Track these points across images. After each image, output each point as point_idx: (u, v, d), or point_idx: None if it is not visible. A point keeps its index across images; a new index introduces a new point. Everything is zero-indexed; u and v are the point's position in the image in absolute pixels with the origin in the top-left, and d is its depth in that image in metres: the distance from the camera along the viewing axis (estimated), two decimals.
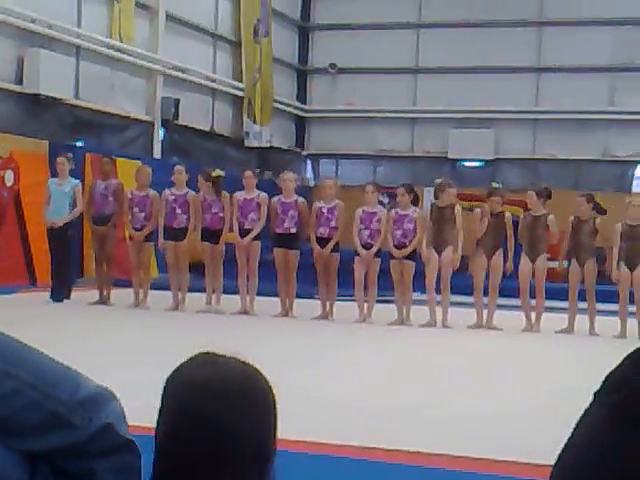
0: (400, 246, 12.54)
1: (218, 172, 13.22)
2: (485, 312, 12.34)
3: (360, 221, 12.75)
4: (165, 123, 18.81)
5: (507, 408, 6.77)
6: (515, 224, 12.47)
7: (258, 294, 12.98)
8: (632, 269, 11.91)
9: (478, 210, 12.70)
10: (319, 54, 23.65)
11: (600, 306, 12.47)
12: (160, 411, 1.60)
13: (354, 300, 12.74)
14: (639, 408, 1.66)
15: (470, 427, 6.05)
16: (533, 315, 12.24)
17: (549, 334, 11.96)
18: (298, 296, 13.09)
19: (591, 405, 1.79)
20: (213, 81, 20.43)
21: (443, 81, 22.12)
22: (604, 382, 1.77)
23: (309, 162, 24.26)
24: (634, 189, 20.59)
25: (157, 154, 18.70)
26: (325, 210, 12.90)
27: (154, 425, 1.58)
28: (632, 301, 11.90)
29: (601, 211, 12.41)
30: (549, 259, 12.58)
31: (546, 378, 8.32)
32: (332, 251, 12.80)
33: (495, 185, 13.25)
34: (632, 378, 1.71)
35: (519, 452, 5.24)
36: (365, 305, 12.64)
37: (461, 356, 9.70)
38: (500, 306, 12.58)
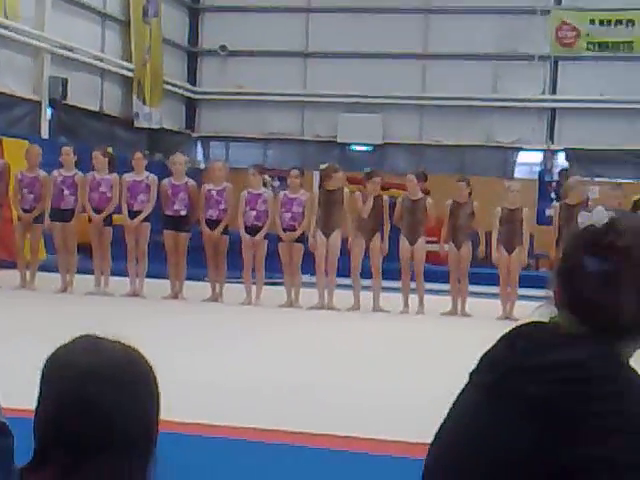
0: (289, 229, 12.70)
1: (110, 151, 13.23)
2: (371, 295, 12.61)
3: (245, 203, 12.87)
4: (53, 103, 18.54)
5: (396, 389, 6.98)
6: (392, 207, 12.74)
7: (148, 276, 13.00)
8: (510, 252, 12.33)
9: (358, 193, 12.94)
10: (209, 36, 23.59)
11: (478, 288, 12.91)
12: (39, 394, 1.57)
13: (243, 283, 12.88)
14: (512, 388, 1.76)
15: (364, 408, 6.21)
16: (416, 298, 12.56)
17: (434, 316, 12.28)
18: (188, 278, 13.15)
19: (467, 385, 1.89)
20: (102, 61, 20.21)
21: (333, 66, 22.32)
22: (479, 362, 1.89)
23: (199, 144, 24.22)
24: (516, 175, 21.19)
25: (45, 134, 18.44)
26: (214, 193, 12.98)
27: (32, 407, 1.55)
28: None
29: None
30: (428, 242, 12.92)
31: (432, 359, 8.57)
32: (222, 233, 12.91)
33: (367, 170, 13.51)
34: (505, 359, 1.82)
35: (410, 432, 5.30)
36: (254, 287, 12.78)
37: (348, 338, 9.92)
38: (385, 288, 12.85)
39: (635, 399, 1.75)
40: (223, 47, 23.25)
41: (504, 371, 1.81)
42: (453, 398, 1.89)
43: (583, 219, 1.87)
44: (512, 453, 1.73)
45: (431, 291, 13.07)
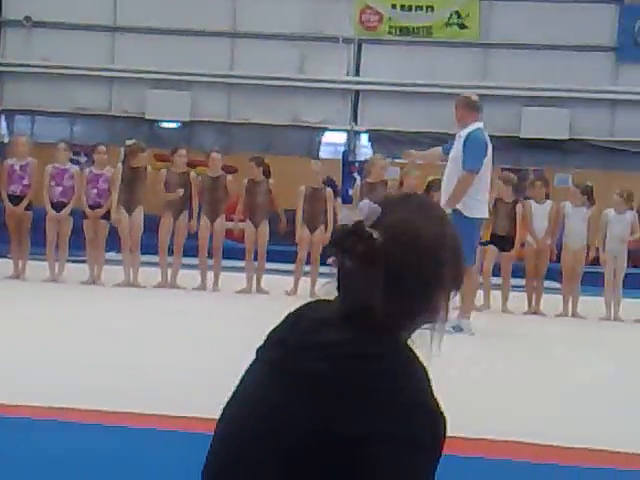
0: (95, 206, 12.72)
1: None
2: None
3: (51, 178, 12.81)
4: None
5: (184, 365, 7.19)
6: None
7: None
8: (312, 230, 12.74)
9: (164, 171, 13.08)
10: (14, 6, 23.00)
11: (278, 266, 13.30)
12: None
13: (46, 260, 12.82)
14: (294, 365, 1.83)
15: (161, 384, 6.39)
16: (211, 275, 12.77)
17: (228, 293, 12.53)
18: None
19: (254, 361, 1.96)
20: None
21: (142, 41, 22.17)
22: (265, 339, 1.97)
23: (3, 118, 23.63)
24: (321, 154, 21.71)
25: None
26: (17, 167, 12.85)
27: None
28: (309, 261, 12.73)
29: (266, 173, 13.07)
30: (227, 220, 13.19)
31: (224, 336, 8.76)
32: (25, 209, 12.79)
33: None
34: (289, 336, 1.89)
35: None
36: (56, 264, 12.75)
37: (144, 316, 10.04)
38: (185, 265, 13.02)
39: (413, 375, 1.82)
40: (28, 18, 22.72)
41: (287, 348, 1.87)
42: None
43: (343, 215, 2.09)
44: (296, 429, 1.78)
45: (233, 268, 13.33)
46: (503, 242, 12.70)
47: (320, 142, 22.37)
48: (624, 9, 20.67)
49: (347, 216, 2.22)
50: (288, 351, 1.86)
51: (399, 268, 1.85)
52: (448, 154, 9.81)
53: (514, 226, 12.74)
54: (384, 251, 1.84)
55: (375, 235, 1.84)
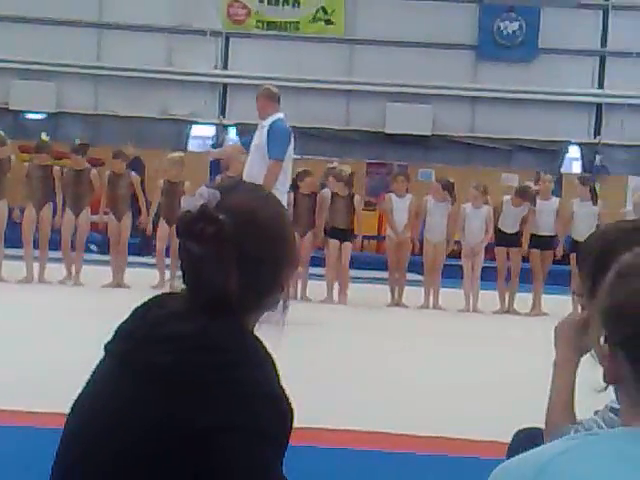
0: None
1: None
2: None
3: None
4: None
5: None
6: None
7: None
8: (170, 224, 12.78)
9: (26, 164, 13.00)
10: None
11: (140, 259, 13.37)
12: None
13: None
14: (141, 358, 1.85)
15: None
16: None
17: (95, 288, 12.51)
18: None
19: (104, 356, 1.96)
20: None
21: (7, 30, 21.69)
22: (114, 333, 1.97)
23: None
24: (190, 148, 21.75)
25: None
26: None
27: None
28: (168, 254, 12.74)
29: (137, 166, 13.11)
30: (92, 213, 13.17)
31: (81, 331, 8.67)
32: None
33: (44, 138, 13.58)
34: (137, 329, 1.91)
35: None
36: None
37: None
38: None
39: (260, 365, 1.84)
40: None
41: (135, 341, 1.88)
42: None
43: (186, 203, 2.00)
44: (146, 422, 1.80)
45: (97, 262, 13.31)
46: (343, 234, 12.95)
47: (189, 135, 22.38)
48: (484, 8, 21.33)
49: (189, 203, 2.27)
50: (135, 345, 1.88)
51: (248, 247, 1.91)
52: (248, 148, 10.08)
53: (352, 219, 13.02)
54: (232, 231, 1.89)
55: (221, 217, 1.89)
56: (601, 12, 21.32)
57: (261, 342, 1.90)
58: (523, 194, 13.19)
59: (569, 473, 1.39)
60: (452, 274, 13.46)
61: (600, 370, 1.52)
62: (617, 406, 2.00)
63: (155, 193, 12.99)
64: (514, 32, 21.19)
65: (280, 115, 9.88)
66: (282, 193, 9.73)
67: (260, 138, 9.80)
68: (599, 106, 21.43)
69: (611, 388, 1.56)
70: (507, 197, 13.31)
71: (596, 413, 2.41)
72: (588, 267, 2.39)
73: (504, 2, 21.10)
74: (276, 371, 1.89)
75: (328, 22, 21.68)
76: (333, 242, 12.96)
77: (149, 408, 1.80)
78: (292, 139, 9.92)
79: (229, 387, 1.79)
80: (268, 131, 9.67)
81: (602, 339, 1.50)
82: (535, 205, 13.14)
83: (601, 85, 21.43)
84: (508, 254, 13.17)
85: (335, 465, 4.72)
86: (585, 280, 2.40)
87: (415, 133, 20.80)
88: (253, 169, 9.58)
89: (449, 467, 4.77)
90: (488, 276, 13.20)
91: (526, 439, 2.54)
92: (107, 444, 1.82)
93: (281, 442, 1.82)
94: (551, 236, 13.18)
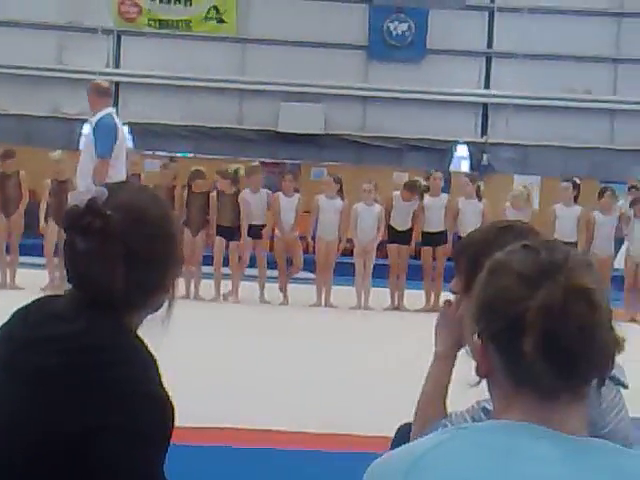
0: None
1: None
2: None
3: None
4: None
5: None
6: None
7: None
8: (59, 224, 12.72)
9: None
10: None
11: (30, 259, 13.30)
12: None
13: None
14: (24, 361, 1.84)
15: None
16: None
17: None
18: None
19: None
20: None
21: None
22: None
23: None
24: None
25: None
26: None
27: None
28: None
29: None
30: None
31: None
32: None
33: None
34: (19, 332, 1.89)
35: None
36: None
37: None
38: None
39: (140, 365, 1.84)
40: None
41: (17, 344, 1.87)
42: None
43: (73, 198, 2.01)
44: (32, 425, 1.80)
45: None
46: (230, 233, 13.06)
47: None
48: (373, 9, 21.62)
49: (77, 198, 2.27)
50: (17, 347, 1.87)
51: (135, 245, 1.91)
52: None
53: (238, 217, 13.10)
54: (119, 228, 1.90)
55: (109, 212, 1.90)
56: (487, 14, 21.82)
57: (143, 342, 1.91)
58: (412, 187, 13.48)
59: (441, 467, 1.42)
60: (345, 272, 13.65)
61: (473, 365, 1.58)
62: (490, 407, 2.08)
63: (43, 193, 12.92)
64: (403, 33, 21.53)
65: (108, 110, 9.52)
66: None
67: (88, 136, 9.62)
68: (485, 106, 21.94)
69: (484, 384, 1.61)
70: (397, 192, 13.59)
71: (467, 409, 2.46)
72: (463, 265, 2.51)
73: (393, 3, 21.43)
74: (158, 371, 1.89)
75: (220, 21, 21.71)
76: (219, 240, 13.03)
77: (33, 411, 1.80)
78: (120, 134, 9.56)
79: (109, 387, 1.80)
80: (94, 128, 9.41)
81: (475, 334, 1.54)
82: (424, 201, 13.44)
83: (487, 85, 21.94)
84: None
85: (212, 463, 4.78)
86: (460, 278, 2.51)
87: (307, 132, 21.00)
88: (83, 167, 9.35)
89: (327, 463, 4.86)
90: (380, 273, 13.44)
91: (408, 433, 2.56)
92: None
93: (161, 442, 1.82)
94: (442, 232, 13.41)
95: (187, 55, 21.33)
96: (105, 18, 21.52)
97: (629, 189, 14.82)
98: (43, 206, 12.75)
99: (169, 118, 21.19)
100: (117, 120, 9.48)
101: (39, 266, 13.03)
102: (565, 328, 1.45)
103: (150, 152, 19.63)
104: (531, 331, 1.45)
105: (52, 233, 12.52)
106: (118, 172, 9.16)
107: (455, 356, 2.55)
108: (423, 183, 13.81)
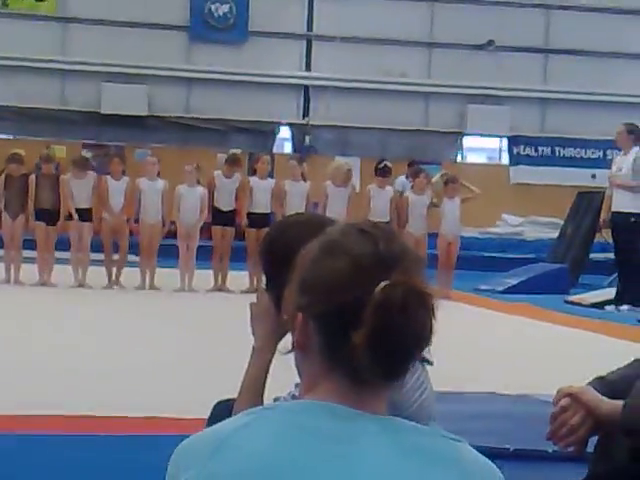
0: None
1: None
2: None
3: None
4: None
5: None
6: None
7: None
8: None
9: None
10: None
11: None
12: None
13: None
14: None
15: None
16: None
17: None
18: None
19: None
20: None
21: None
22: None
23: None
24: None
25: None
26: None
27: None
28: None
29: None
30: None
31: None
32: None
33: None
34: None
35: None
36: None
37: None
38: None
39: None
40: None
41: None
42: None
43: None
44: None
45: None
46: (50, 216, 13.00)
47: None
48: None
49: None
50: None
51: None
52: None
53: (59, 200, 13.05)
54: None
55: None
56: None
57: None
58: (233, 161, 13.72)
59: (247, 447, 1.42)
60: (169, 254, 13.75)
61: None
62: (298, 394, 2.12)
63: None
64: (225, 14, 21.62)
65: None
66: None
67: None
68: (307, 88, 22.33)
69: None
70: (218, 172, 13.77)
71: (277, 399, 2.51)
72: (267, 261, 2.60)
73: None
74: None
75: None
76: (39, 224, 12.94)
77: None
78: None
79: None
80: None
81: (296, 307, 1.53)
82: (250, 183, 13.69)
83: (308, 68, 22.33)
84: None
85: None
86: (265, 272, 2.63)
87: (131, 114, 20.89)
88: None
89: (132, 446, 4.80)
90: (203, 255, 13.60)
91: (226, 410, 2.55)
92: None
93: None
94: (266, 214, 13.56)
95: (4, 34, 20.80)
96: None
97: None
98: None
99: None
100: None
101: None
102: (401, 329, 1.45)
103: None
104: (365, 325, 1.44)
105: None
106: None
107: (274, 346, 2.58)
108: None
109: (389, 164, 14.32)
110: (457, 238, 13.98)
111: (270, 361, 2.59)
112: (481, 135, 22.93)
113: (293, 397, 2.43)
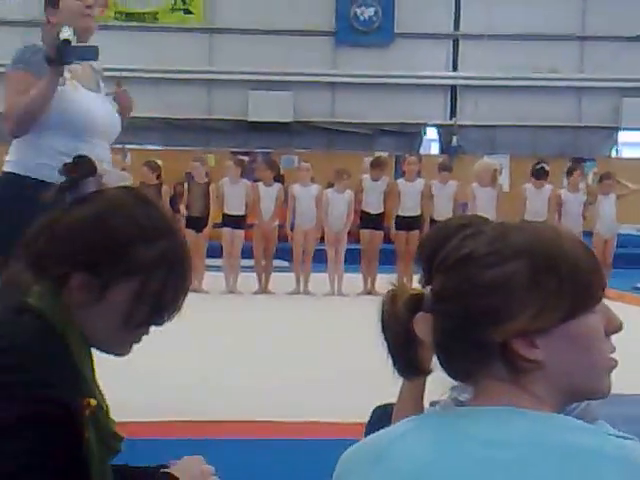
0: None
1: None
2: None
3: None
4: None
5: None
6: None
7: None
8: None
9: None
10: None
11: None
12: None
13: None
14: None
15: None
16: None
17: None
18: None
19: None
20: None
21: None
22: None
23: None
24: None
25: None
26: None
27: None
28: None
29: None
30: None
31: None
32: None
33: None
34: None
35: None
36: None
37: None
38: None
39: (28, 372, 1.67)
40: None
41: None
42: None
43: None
44: None
45: None
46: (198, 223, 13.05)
47: None
48: None
49: None
50: None
51: None
52: None
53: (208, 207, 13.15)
54: None
55: None
56: None
57: (50, 337, 1.79)
58: (378, 164, 13.56)
59: (408, 455, 1.41)
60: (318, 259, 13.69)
61: None
62: (462, 398, 2.12)
63: None
64: (370, 17, 21.57)
65: None
66: None
67: None
68: (454, 88, 22.03)
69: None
70: (365, 175, 13.67)
71: (433, 403, 2.44)
72: (423, 263, 2.55)
73: None
74: None
75: (187, 11, 21.68)
76: (188, 232, 13.00)
77: None
78: None
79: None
80: None
81: None
82: (398, 186, 13.52)
83: (455, 68, 22.03)
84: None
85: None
86: (422, 275, 2.56)
87: (277, 120, 21.03)
88: None
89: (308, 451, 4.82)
90: (352, 259, 13.49)
91: (383, 415, 2.57)
92: None
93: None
94: (415, 217, 13.38)
95: (154, 47, 21.27)
96: None
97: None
98: None
99: (141, 111, 21.08)
100: None
101: None
102: None
103: (120, 145, 19.57)
104: None
105: None
106: None
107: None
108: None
109: (546, 166, 13.81)
110: (614, 236, 13.50)
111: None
112: (638, 129, 22.10)
113: (454, 401, 2.32)
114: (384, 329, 1.55)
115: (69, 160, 1.90)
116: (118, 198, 1.83)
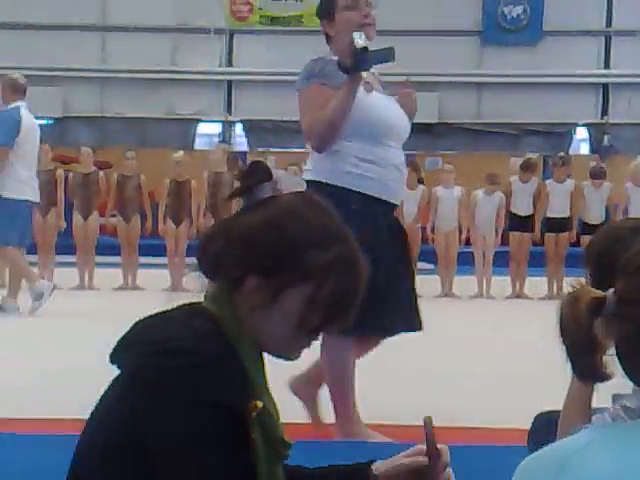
0: None
1: None
2: None
3: None
4: None
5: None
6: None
7: None
8: (177, 224, 12.74)
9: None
10: None
11: (149, 259, 13.40)
12: None
13: None
14: (123, 361, 1.81)
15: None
16: None
17: (106, 292, 12.53)
18: None
19: None
20: None
21: (8, 37, 21.80)
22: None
23: None
24: (197, 146, 21.75)
25: None
26: None
27: None
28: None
29: None
30: (101, 215, 13.22)
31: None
32: None
33: None
34: (133, 335, 1.84)
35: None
36: None
37: None
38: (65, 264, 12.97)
39: (199, 374, 1.72)
40: None
41: (120, 345, 1.85)
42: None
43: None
44: (119, 424, 1.77)
45: (110, 264, 13.31)
46: None
47: (195, 133, 22.39)
48: None
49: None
50: (119, 347, 1.85)
51: None
52: None
53: None
54: None
55: None
56: None
57: (224, 343, 1.82)
58: (528, 166, 13.26)
59: (592, 467, 1.37)
60: (466, 261, 13.43)
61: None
62: (632, 405, 2.07)
63: (162, 193, 12.96)
64: (518, 16, 21.14)
65: (17, 104, 9.36)
66: (19, 181, 9.34)
67: None
68: (605, 86, 21.35)
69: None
70: (514, 177, 13.36)
71: (596, 410, 2.37)
72: (591, 266, 2.40)
73: None
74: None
75: None
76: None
77: (121, 411, 1.78)
78: (24, 128, 9.25)
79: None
80: None
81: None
82: (547, 187, 13.16)
83: (607, 65, 21.35)
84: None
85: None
86: (590, 278, 2.39)
87: (421, 121, 20.74)
88: None
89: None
90: (500, 261, 13.18)
91: (546, 423, 2.51)
92: (84, 443, 1.85)
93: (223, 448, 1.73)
94: (565, 218, 13.05)
95: (299, 51, 21.23)
96: (217, 18, 21.68)
97: None
98: (162, 206, 12.80)
99: (283, 114, 21.18)
100: (24, 115, 9.43)
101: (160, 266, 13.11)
102: None
103: (264, 149, 19.70)
104: None
105: (171, 233, 12.63)
106: (22, 163, 9.29)
107: None
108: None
109: None
110: None
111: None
112: None
113: (624, 408, 2.17)
114: (563, 332, 1.49)
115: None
116: (293, 203, 1.88)
